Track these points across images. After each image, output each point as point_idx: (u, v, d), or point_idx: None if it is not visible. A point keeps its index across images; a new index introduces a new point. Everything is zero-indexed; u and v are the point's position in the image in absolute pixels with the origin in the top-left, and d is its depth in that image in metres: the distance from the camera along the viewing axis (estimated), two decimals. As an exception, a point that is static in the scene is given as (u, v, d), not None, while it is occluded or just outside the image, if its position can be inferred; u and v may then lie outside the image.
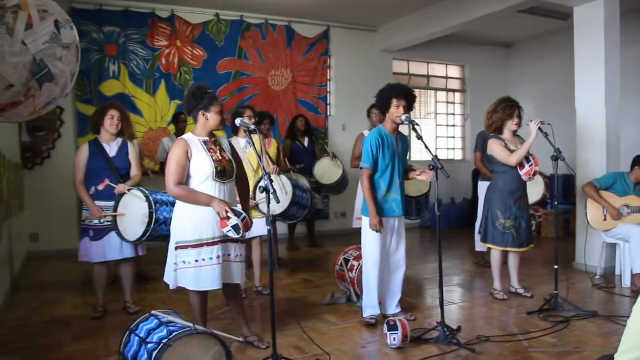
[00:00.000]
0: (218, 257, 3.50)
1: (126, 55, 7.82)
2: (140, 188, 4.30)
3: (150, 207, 4.07)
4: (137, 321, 3.15)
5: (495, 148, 4.95)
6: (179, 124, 7.15)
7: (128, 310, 4.65)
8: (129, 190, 4.32)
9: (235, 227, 3.38)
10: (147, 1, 7.84)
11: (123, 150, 4.61)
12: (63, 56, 2.76)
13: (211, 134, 3.65)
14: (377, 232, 4.18)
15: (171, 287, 3.59)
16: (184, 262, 3.49)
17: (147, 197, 4.13)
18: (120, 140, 4.63)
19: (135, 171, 4.63)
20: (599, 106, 6.16)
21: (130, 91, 7.85)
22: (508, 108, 4.94)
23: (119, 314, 4.63)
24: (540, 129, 4.81)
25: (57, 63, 2.71)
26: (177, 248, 3.52)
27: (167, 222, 4.12)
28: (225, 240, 3.55)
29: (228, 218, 3.39)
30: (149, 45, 7.98)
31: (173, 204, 4.19)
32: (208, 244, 3.49)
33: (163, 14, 8.07)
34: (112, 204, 4.35)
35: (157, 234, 4.18)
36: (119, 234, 4.30)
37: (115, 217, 4.28)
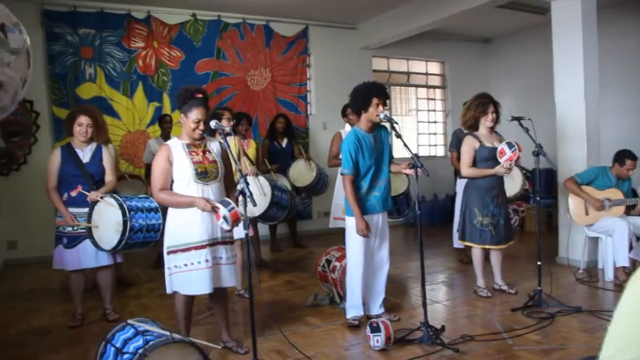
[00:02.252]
0: (207, 260, 3.48)
1: (102, 58, 7.69)
2: (114, 195, 4.20)
3: (124, 215, 3.98)
4: (113, 330, 3.08)
5: (463, 149, 4.95)
6: (164, 126, 7.06)
7: (107, 318, 4.56)
8: (102, 197, 4.22)
9: (225, 218, 3.33)
10: (123, 2, 7.71)
11: (97, 156, 4.50)
12: (11, 62, 2.63)
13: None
14: (364, 237, 4.13)
15: (167, 292, 3.60)
16: (176, 266, 3.49)
17: (120, 204, 4.04)
18: (94, 145, 4.52)
19: (109, 177, 4.52)
20: (579, 100, 6.17)
21: (107, 94, 7.73)
22: (481, 105, 4.92)
23: (98, 322, 4.54)
24: (520, 124, 4.80)
25: (5, 69, 2.59)
26: (168, 253, 3.52)
27: (142, 230, 4.05)
28: (214, 243, 3.54)
29: (216, 211, 3.34)
30: (125, 47, 7.85)
31: (149, 210, 4.15)
32: (196, 248, 3.47)
33: (139, 15, 7.95)
34: (85, 210, 4.26)
35: (133, 241, 4.10)
36: (94, 243, 4.21)
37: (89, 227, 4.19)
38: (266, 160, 6.61)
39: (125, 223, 3.97)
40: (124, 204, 4.03)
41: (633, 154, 5.53)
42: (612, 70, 8.30)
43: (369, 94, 4.12)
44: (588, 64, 6.16)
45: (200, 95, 3.56)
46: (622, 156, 5.54)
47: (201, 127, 3.54)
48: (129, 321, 3.09)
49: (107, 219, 4.13)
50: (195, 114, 3.51)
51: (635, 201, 5.52)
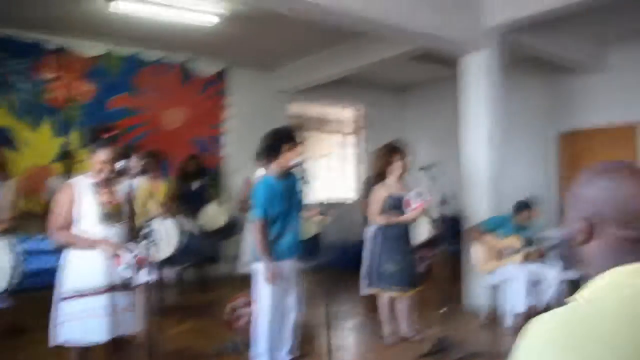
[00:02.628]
0: (105, 306, 3.31)
1: (7, 87, 7.32)
2: (7, 237, 3.94)
3: (15, 259, 3.73)
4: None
5: (372, 198, 5.05)
6: (66, 162, 6.77)
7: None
8: (-6, 238, 3.96)
9: (128, 264, 3.18)
10: (34, 30, 7.40)
11: (-8, 193, 4.23)
12: None
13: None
14: (272, 284, 4.07)
15: (50, 344, 3.35)
16: (70, 313, 3.27)
17: (12, 248, 3.79)
18: (-13, 181, 4.26)
19: (3, 215, 4.25)
20: (483, 151, 6.47)
21: (9, 125, 7.31)
22: (387, 154, 5.05)
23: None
24: (428, 173, 4.96)
25: None
26: (62, 299, 3.32)
27: (40, 273, 3.82)
28: (112, 288, 3.35)
29: (118, 256, 3.19)
30: (33, 77, 7.52)
31: (46, 253, 3.92)
32: (93, 294, 3.28)
33: (51, 46, 7.65)
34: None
35: (25, 286, 3.85)
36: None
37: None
38: (175, 203, 6.44)
39: (14, 268, 3.72)
40: (15, 247, 3.79)
41: (529, 204, 5.82)
42: (516, 123, 8.67)
43: (280, 140, 4.14)
44: (492, 116, 6.50)
45: (107, 136, 3.45)
46: (520, 207, 5.82)
47: (107, 168, 3.41)
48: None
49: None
50: (101, 155, 3.39)
51: (532, 249, 5.77)
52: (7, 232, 4.06)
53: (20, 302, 4.54)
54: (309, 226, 5.47)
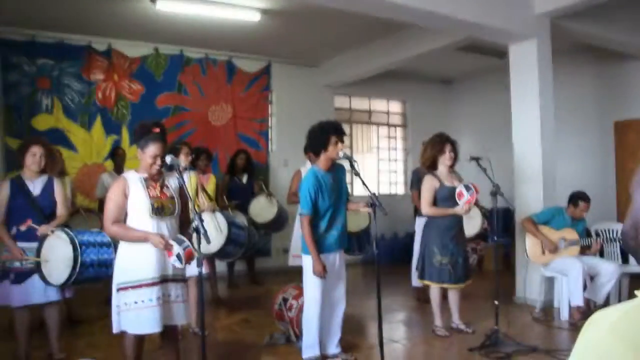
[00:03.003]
0: (158, 298, 3.35)
1: (60, 89, 7.55)
2: (65, 229, 4.05)
3: (74, 250, 3.84)
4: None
5: (423, 188, 5.00)
6: (117, 159, 6.94)
7: (53, 357, 4.36)
8: (52, 231, 4.07)
9: (178, 256, 3.23)
10: (83, 33, 7.61)
11: (48, 189, 4.34)
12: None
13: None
14: (321, 278, 4.07)
15: (114, 331, 3.42)
16: (125, 303, 3.34)
17: (71, 239, 3.89)
18: (45, 177, 4.37)
19: (60, 210, 4.36)
20: (535, 142, 6.32)
21: (63, 125, 7.57)
22: (438, 144, 5.00)
23: (43, 362, 4.33)
24: (478, 164, 4.87)
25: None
26: (118, 290, 3.38)
27: (94, 265, 3.91)
28: (165, 280, 3.41)
29: (169, 248, 3.25)
30: (84, 79, 7.74)
31: (102, 245, 4.01)
32: (147, 285, 3.34)
33: (100, 47, 7.87)
34: (35, 244, 4.08)
35: (84, 277, 3.95)
36: (43, 278, 4.03)
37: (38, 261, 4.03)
38: (225, 197, 6.52)
39: (75, 258, 3.82)
40: (75, 239, 3.89)
41: (586, 196, 5.66)
42: (569, 113, 8.53)
43: (327, 133, 4.14)
44: (544, 106, 6.34)
45: (157, 130, 3.50)
46: (576, 198, 5.66)
47: (158, 162, 3.46)
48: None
49: (58, 254, 3.97)
50: (152, 149, 3.43)
51: (590, 242, 5.61)
52: (64, 226, 4.18)
53: (77, 293, 4.68)
54: (359, 219, 5.45)
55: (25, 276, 4.15)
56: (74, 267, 3.83)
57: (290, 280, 5.39)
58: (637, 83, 8.24)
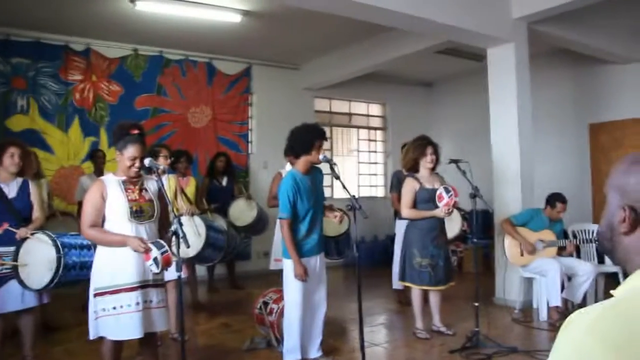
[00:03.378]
0: (137, 303, 3.29)
1: (36, 89, 7.42)
2: (46, 231, 3.98)
3: (57, 251, 3.77)
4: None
5: (403, 190, 5.02)
6: (97, 161, 6.87)
7: (28, 366, 4.26)
8: (32, 234, 4.00)
9: (155, 260, 3.19)
10: (61, 33, 7.50)
11: (24, 191, 4.26)
12: None
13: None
14: (302, 281, 4.06)
15: (90, 337, 3.35)
16: (103, 309, 3.27)
17: (53, 241, 3.83)
18: (20, 179, 4.28)
19: (37, 213, 4.28)
20: (513, 144, 6.38)
21: (40, 127, 7.43)
22: (419, 146, 5.03)
23: (18, 370, 4.24)
24: (457, 166, 4.90)
25: None
26: (95, 295, 3.31)
27: (75, 267, 3.84)
28: (145, 285, 3.36)
29: (148, 251, 3.20)
30: (61, 79, 7.62)
31: (82, 247, 3.94)
32: (126, 290, 3.28)
33: (77, 47, 7.75)
34: (11, 249, 3.99)
35: (66, 279, 3.87)
36: (21, 282, 3.94)
37: (15, 266, 3.94)
38: (205, 200, 6.48)
39: (59, 260, 3.75)
40: (57, 240, 3.83)
41: (563, 197, 5.73)
42: (546, 116, 8.64)
43: (313, 138, 4.13)
44: (522, 109, 6.41)
45: (136, 132, 3.44)
46: (553, 199, 5.73)
47: (137, 164, 3.41)
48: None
49: (38, 257, 3.88)
50: (130, 151, 3.38)
51: (565, 243, 5.68)
52: (41, 229, 4.10)
53: (53, 299, 4.60)
54: (336, 224, 5.45)
55: (1, 282, 4.06)
56: (57, 270, 3.75)
57: (270, 284, 5.37)
58: (611, 87, 8.38)
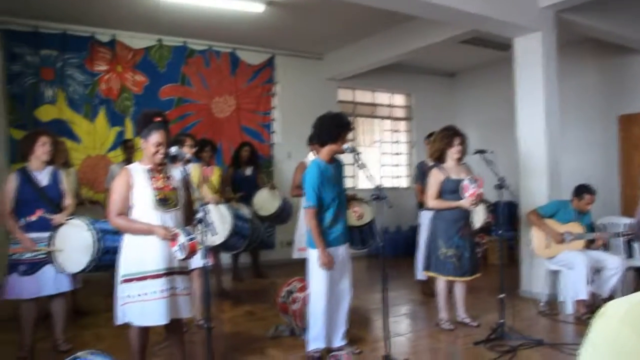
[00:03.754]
0: (163, 290, 3.33)
1: (63, 80, 7.53)
2: (80, 217, 4.06)
3: (93, 235, 3.84)
4: (62, 364, 2.91)
5: (429, 181, 4.98)
6: (127, 151, 6.96)
7: (58, 349, 4.37)
8: (67, 220, 4.07)
9: (181, 246, 3.21)
10: (86, 24, 7.58)
11: (55, 179, 4.36)
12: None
13: (159, 163, 3.49)
14: (329, 270, 4.06)
15: (117, 323, 3.40)
16: (129, 295, 3.32)
17: (89, 225, 3.90)
18: (51, 168, 4.38)
19: (68, 200, 4.38)
20: (540, 135, 6.29)
21: (67, 117, 7.55)
22: (446, 137, 4.98)
23: (48, 354, 4.35)
24: (483, 157, 4.85)
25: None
26: (122, 281, 3.36)
27: (110, 252, 3.90)
28: (171, 272, 3.39)
29: (175, 238, 3.24)
30: (87, 70, 7.71)
31: (115, 232, 3.99)
32: (152, 277, 3.32)
33: (103, 38, 7.84)
34: (46, 234, 4.10)
35: (102, 263, 3.94)
36: (58, 267, 4.02)
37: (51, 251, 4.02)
38: (228, 189, 6.51)
39: (95, 243, 3.82)
40: (92, 225, 3.90)
41: (591, 188, 5.62)
42: (573, 107, 8.50)
43: (342, 128, 4.12)
44: (549, 99, 6.31)
45: (159, 119, 3.46)
46: (581, 191, 5.63)
47: (162, 150, 3.43)
48: (79, 354, 2.95)
49: (74, 241, 3.97)
50: (155, 137, 3.41)
51: (594, 236, 5.58)
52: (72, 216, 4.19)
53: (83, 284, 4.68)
54: (365, 211, 5.45)
55: (37, 267, 4.17)
56: (94, 253, 3.82)
57: (294, 273, 5.39)
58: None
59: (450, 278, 4.98)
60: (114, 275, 3.46)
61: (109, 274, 3.82)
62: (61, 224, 4.08)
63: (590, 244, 5.63)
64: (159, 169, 3.50)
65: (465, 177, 4.86)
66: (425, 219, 5.85)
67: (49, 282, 4.20)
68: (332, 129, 4.14)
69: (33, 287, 4.18)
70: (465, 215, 4.98)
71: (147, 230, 3.32)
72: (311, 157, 5.94)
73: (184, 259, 3.32)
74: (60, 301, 4.39)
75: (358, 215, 4.37)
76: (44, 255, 4.12)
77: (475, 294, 6.16)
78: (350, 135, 4.21)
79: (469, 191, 4.73)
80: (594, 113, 8.73)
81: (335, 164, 4.28)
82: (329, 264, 4.03)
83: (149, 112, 3.55)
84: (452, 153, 4.96)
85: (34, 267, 4.17)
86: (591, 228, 5.78)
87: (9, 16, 7.08)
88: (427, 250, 5.09)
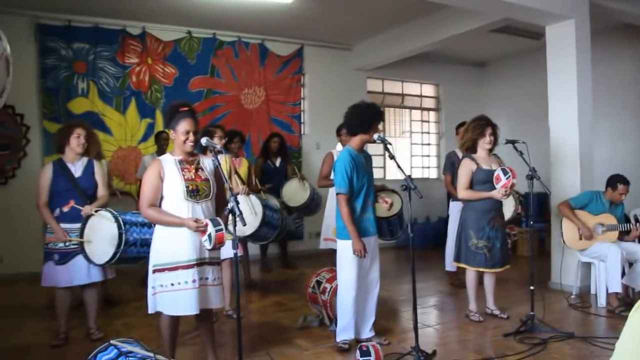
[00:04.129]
0: (194, 280, 3.36)
1: (95, 73, 7.65)
2: (109, 209, 4.14)
3: (119, 228, 3.91)
4: (96, 351, 2.98)
5: (460, 171, 4.94)
6: (160, 142, 7.05)
7: (91, 337, 4.45)
8: (96, 211, 4.16)
9: (209, 236, 3.25)
10: (118, 18, 7.69)
11: (89, 170, 4.45)
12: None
13: (189, 153, 3.53)
14: (361, 257, 4.07)
15: (149, 312, 3.45)
16: (161, 285, 3.36)
17: (115, 217, 3.97)
18: (85, 159, 4.47)
19: (102, 191, 4.48)
20: (572, 125, 6.18)
21: (99, 109, 7.68)
22: (478, 127, 4.91)
23: (82, 341, 4.42)
24: (514, 147, 4.79)
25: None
26: (154, 271, 3.40)
27: (136, 244, 3.97)
28: (202, 263, 3.43)
29: (205, 227, 3.28)
30: (119, 63, 7.82)
31: (143, 225, 4.06)
32: (184, 267, 3.35)
33: (134, 31, 7.93)
34: (77, 225, 4.19)
35: (127, 255, 4.01)
36: (86, 257, 4.12)
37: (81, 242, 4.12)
38: (257, 180, 6.56)
39: (120, 236, 3.89)
40: (119, 217, 3.97)
41: (625, 178, 5.51)
42: (605, 96, 8.34)
43: (375, 118, 4.14)
44: (582, 88, 6.18)
45: (185, 109, 3.49)
46: (615, 181, 5.52)
47: (191, 138, 3.44)
48: (112, 341, 3.00)
49: (101, 233, 4.05)
50: (183, 125, 3.43)
51: (629, 227, 5.48)
52: (104, 207, 4.27)
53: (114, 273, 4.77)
54: (394, 201, 5.43)
55: (69, 257, 4.27)
56: (118, 245, 3.89)
57: (322, 264, 5.41)
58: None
59: (481, 269, 4.95)
60: (146, 265, 3.51)
61: (139, 264, 3.89)
62: (91, 215, 4.16)
63: (624, 236, 5.52)
64: (190, 160, 3.52)
65: (497, 167, 4.80)
66: (454, 209, 5.81)
67: (81, 272, 4.30)
68: (364, 119, 4.14)
69: (66, 276, 4.29)
70: (496, 206, 4.93)
71: (177, 223, 3.35)
72: (339, 147, 5.94)
73: (211, 249, 3.36)
74: (92, 291, 4.49)
75: (389, 205, 4.35)
76: (75, 246, 4.22)
77: (505, 285, 6.11)
78: (380, 126, 4.20)
79: (502, 182, 4.68)
80: (627, 102, 8.54)
81: (364, 154, 4.29)
82: (361, 250, 4.03)
83: (174, 103, 3.58)
84: (484, 143, 4.90)
85: (66, 256, 4.28)
86: (624, 219, 5.67)
87: (42, 11, 7.22)
88: (457, 241, 5.05)
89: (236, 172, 5.48)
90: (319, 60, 9.37)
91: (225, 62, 8.58)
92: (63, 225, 4.28)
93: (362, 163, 4.20)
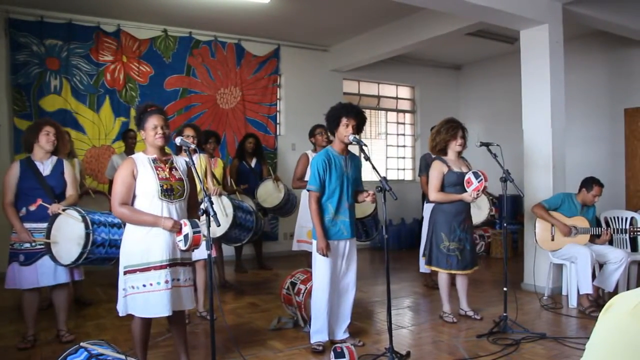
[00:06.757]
0: (167, 281, 3.31)
1: (69, 70, 7.52)
2: (77, 208, 4.07)
3: (86, 227, 3.84)
4: (65, 354, 2.92)
5: (432, 173, 4.96)
6: (128, 141, 6.95)
7: (61, 339, 4.36)
8: (63, 210, 4.07)
9: (185, 237, 3.21)
10: (92, 14, 7.57)
11: (58, 169, 4.36)
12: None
13: (162, 152, 3.49)
14: (324, 256, 4.07)
15: (120, 314, 3.38)
16: (132, 287, 3.30)
17: (83, 217, 3.90)
18: (54, 158, 4.39)
19: (70, 191, 4.38)
20: (545, 128, 6.26)
21: (72, 107, 7.54)
22: (451, 129, 4.95)
23: (51, 344, 4.34)
24: (488, 149, 4.83)
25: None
26: (125, 272, 3.33)
27: (104, 244, 3.91)
28: (174, 263, 3.38)
29: (182, 227, 3.25)
30: (93, 60, 7.70)
31: (112, 225, 4.01)
32: (156, 268, 3.30)
33: (108, 28, 7.82)
34: (44, 225, 4.10)
35: (94, 256, 3.94)
36: (52, 258, 4.04)
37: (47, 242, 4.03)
38: (232, 181, 6.51)
39: (87, 236, 3.82)
40: (86, 217, 3.90)
41: (599, 180, 5.60)
42: (579, 100, 8.47)
43: (338, 113, 4.14)
44: (555, 92, 6.27)
45: (152, 108, 3.47)
46: (591, 182, 5.59)
47: (159, 132, 3.40)
48: (83, 344, 2.94)
49: (68, 233, 3.98)
50: (151, 121, 3.39)
51: (600, 231, 5.55)
52: (73, 206, 4.19)
53: (85, 276, 4.68)
54: (363, 205, 5.44)
55: (36, 257, 4.17)
56: (85, 245, 3.83)
57: (297, 265, 5.40)
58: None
59: (452, 272, 4.98)
60: (117, 266, 3.45)
61: (111, 265, 3.83)
62: (58, 214, 4.08)
63: (595, 239, 5.61)
64: (164, 159, 3.48)
65: (466, 170, 4.85)
66: (429, 211, 5.84)
67: (47, 273, 4.20)
68: (332, 116, 4.20)
69: (32, 277, 4.18)
70: (466, 208, 4.98)
71: (152, 222, 3.29)
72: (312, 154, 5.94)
73: (185, 250, 3.32)
74: (61, 292, 4.39)
75: (372, 198, 4.29)
76: (42, 246, 4.13)
77: (479, 287, 6.16)
78: (352, 124, 4.16)
79: (473, 185, 4.72)
80: (600, 106, 8.68)
81: (349, 156, 4.29)
82: (324, 249, 4.04)
83: (141, 105, 3.57)
84: (455, 145, 4.94)
85: (33, 257, 4.17)
86: (595, 221, 5.76)
87: (14, 6, 7.08)
88: (429, 244, 5.07)
89: (211, 173, 5.43)
90: (295, 61, 9.35)
91: (202, 62, 8.51)
92: (29, 225, 4.18)
93: (340, 165, 4.19)
